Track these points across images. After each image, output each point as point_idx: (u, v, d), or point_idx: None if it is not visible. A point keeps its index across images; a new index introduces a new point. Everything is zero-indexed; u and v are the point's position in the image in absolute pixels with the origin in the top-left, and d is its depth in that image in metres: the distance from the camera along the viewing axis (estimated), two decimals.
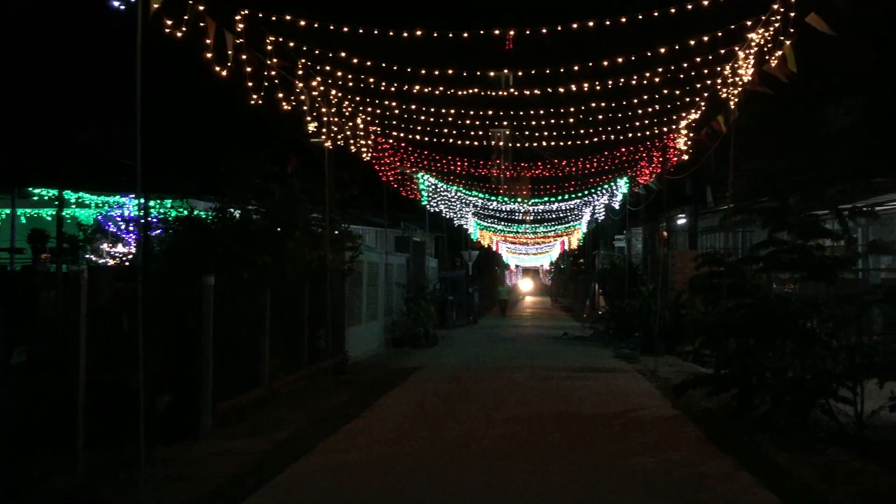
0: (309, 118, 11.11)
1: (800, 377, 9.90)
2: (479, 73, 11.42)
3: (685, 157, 15.38)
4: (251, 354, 11.68)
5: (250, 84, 8.72)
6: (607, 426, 10.28)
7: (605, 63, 10.28)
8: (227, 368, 10.59)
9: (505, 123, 16.70)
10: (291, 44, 9.30)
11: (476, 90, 12.38)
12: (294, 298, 13.57)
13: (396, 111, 13.40)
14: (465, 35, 9.34)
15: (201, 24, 7.32)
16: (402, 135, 16.64)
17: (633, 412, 11.33)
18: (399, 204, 26.69)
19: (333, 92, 11.73)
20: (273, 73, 9.24)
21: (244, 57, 8.27)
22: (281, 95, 10.02)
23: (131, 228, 18.26)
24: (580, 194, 27.65)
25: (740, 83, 10.40)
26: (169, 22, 7.11)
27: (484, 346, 22.95)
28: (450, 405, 11.93)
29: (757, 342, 10.64)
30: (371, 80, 11.33)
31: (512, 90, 13.69)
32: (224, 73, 7.97)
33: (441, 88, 12.06)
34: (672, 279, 20.74)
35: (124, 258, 17.87)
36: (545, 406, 11.80)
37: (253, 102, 8.95)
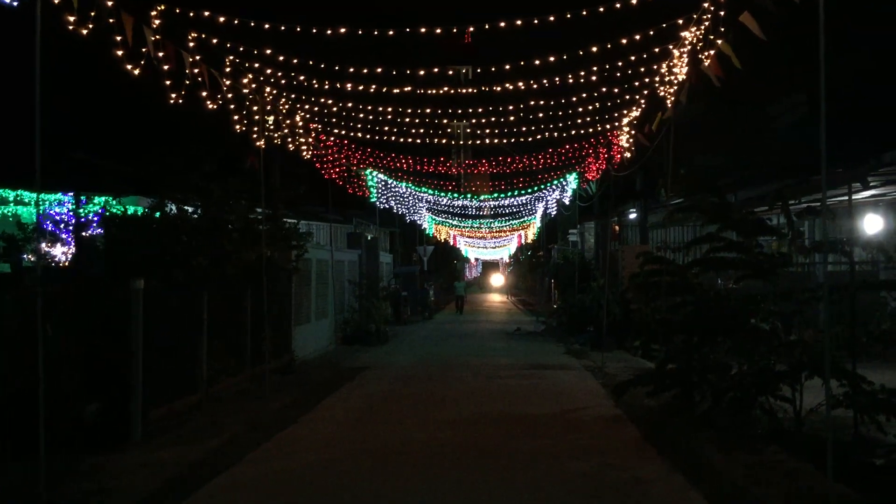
0: (236, 116, 10.79)
1: (740, 375, 9.90)
2: (418, 72, 11.20)
3: (627, 154, 15.34)
4: (187, 358, 11.39)
5: (168, 83, 8.38)
6: (548, 428, 10.18)
7: (537, 62, 10.13)
8: (160, 373, 10.32)
9: (454, 122, 16.52)
10: (214, 40, 8.98)
11: (416, 88, 12.15)
12: (235, 299, 13.29)
13: (334, 108, 13.11)
14: (390, 33, 9.13)
15: (110, 21, 6.96)
16: (344, 132, 16.34)
17: (575, 412, 11.27)
18: (352, 200, 26.38)
19: (268, 90, 11.42)
20: (196, 70, 8.91)
21: (161, 54, 7.92)
22: (205, 93, 9.66)
23: (69, 227, 17.80)
24: (530, 190, 27.60)
25: (676, 81, 10.33)
26: (71, 18, 6.72)
27: (435, 343, 22.81)
28: (391, 407, 11.76)
29: (699, 340, 10.62)
30: (312, 79, 11.06)
31: (462, 90, 13.56)
32: (136, 70, 7.61)
33: (382, 88, 11.82)
34: (622, 274, 20.78)
35: (61, 258, 17.42)
36: (487, 407, 11.68)
37: (172, 101, 8.62)
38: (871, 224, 15.19)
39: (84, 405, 9.41)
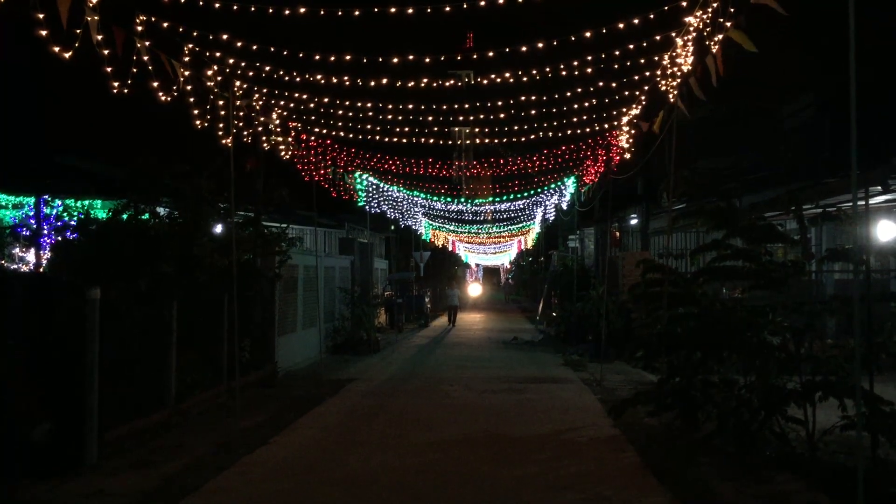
0: (196, 111, 9.97)
1: (748, 391, 9.12)
2: (392, 61, 10.32)
3: (627, 155, 14.48)
4: (153, 373, 10.63)
5: (110, 69, 7.56)
6: (539, 451, 9.35)
7: (525, 49, 9.23)
8: (120, 390, 9.58)
9: (452, 127, 15.77)
10: (165, 24, 8.16)
11: (394, 80, 11.30)
12: (211, 308, 12.52)
13: (311, 104, 12.25)
14: (356, 13, 8.23)
15: None
16: (325, 131, 15.50)
17: (570, 433, 10.44)
18: (345, 205, 25.55)
19: (238, 83, 10.61)
20: (146, 57, 8.10)
21: (101, 37, 7.10)
22: (157, 84, 8.81)
23: (44, 231, 17.08)
24: (526, 194, 26.76)
25: (680, 74, 9.46)
26: None
27: (428, 352, 21.97)
28: (372, 427, 10.92)
29: (704, 355, 9.82)
30: (279, 69, 10.26)
31: (446, 82, 12.76)
32: (67, 54, 6.77)
33: (357, 80, 10.97)
34: (622, 282, 19.96)
35: (37, 263, 16.70)
36: (475, 426, 10.84)
37: (116, 91, 7.82)
38: (885, 231, 14.35)
39: (34, 425, 8.65)
